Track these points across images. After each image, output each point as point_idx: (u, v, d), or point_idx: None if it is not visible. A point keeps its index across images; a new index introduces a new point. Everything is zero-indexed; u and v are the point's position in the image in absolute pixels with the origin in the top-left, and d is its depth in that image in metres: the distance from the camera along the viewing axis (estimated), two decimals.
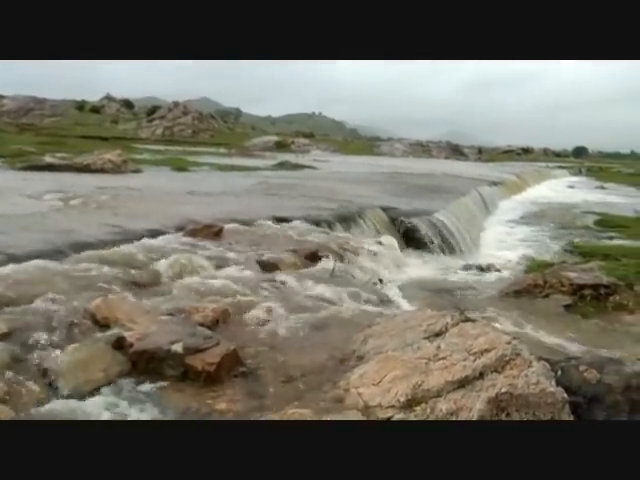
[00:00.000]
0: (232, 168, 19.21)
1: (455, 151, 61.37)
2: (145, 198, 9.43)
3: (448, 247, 9.48)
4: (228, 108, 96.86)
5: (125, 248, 5.50)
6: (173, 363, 3.18)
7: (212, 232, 6.43)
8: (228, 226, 6.95)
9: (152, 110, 58.28)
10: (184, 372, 3.15)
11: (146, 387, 3.01)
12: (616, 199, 22.27)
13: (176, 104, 56.70)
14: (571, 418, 2.80)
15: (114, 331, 3.52)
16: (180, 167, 17.87)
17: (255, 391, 3.03)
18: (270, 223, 7.65)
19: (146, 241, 5.86)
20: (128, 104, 66.84)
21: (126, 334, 3.41)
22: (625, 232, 11.79)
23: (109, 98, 67.91)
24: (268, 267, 5.56)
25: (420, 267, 7.84)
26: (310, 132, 73.31)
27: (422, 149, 60.07)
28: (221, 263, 5.50)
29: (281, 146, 45.19)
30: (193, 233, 6.33)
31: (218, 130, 56.09)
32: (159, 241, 5.97)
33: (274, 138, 50.30)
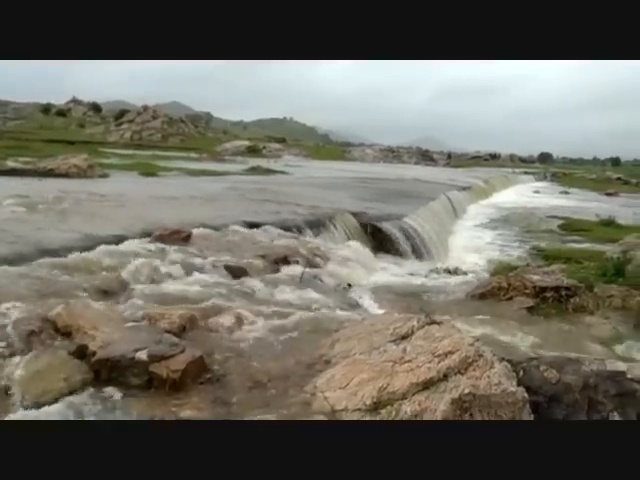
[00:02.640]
0: (203, 173, 19.04)
1: (425, 156, 62.37)
2: (111, 203, 9.25)
3: (417, 251, 9.59)
4: (199, 112, 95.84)
5: (89, 254, 5.38)
6: (137, 371, 3.13)
7: (180, 237, 6.35)
8: (197, 231, 6.88)
9: (120, 114, 57.19)
10: (149, 380, 3.10)
11: (109, 396, 2.95)
12: (579, 204, 22.99)
13: (145, 108, 55.78)
14: (531, 417, 2.87)
15: (76, 339, 3.44)
16: (149, 172, 17.59)
17: (221, 398, 3.00)
18: (240, 228, 7.60)
19: (111, 247, 5.74)
20: (95, 107, 65.47)
21: (88, 342, 3.34)
22: (587, 236, 12.18)
23: (76, 101, 66.38)
24: (237, 272, 5.53)
25: (389, 271, 7.91)
26: (282, 137, 73.24)
27: (393, 154, 60.80)
28: (189, 269, 5.43)
29: (253, 151, 44.99)
30: (160, 238, 6.24)
31: (188, 134, 55.42)
32: (125, 247, 5.86)
33: (245, 143, 50.04)
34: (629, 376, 3.28)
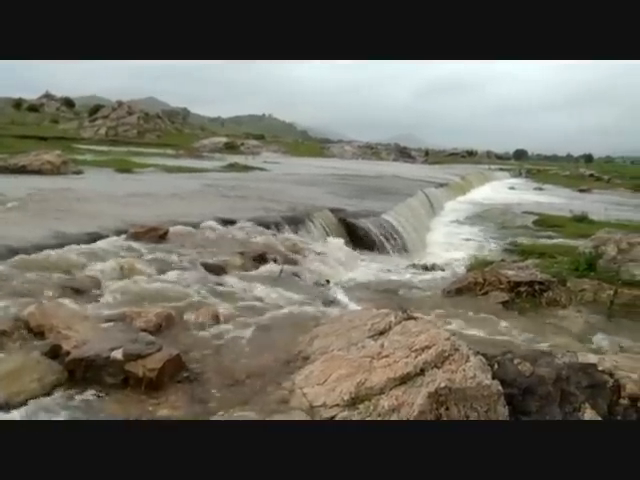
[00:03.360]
0: (179, 170, 18.80)
1: (403, 153, 62.76)
2: (86, 200, 9.07)
3: (395, 247, 9.66)
4: (175, 108, 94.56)
5: (62, 252, 5.27)
6: (113, 370, 3.09)
7: (157, 235, 6.27)
8: (174, 229, 6.80)
9: (95, 109, 56.15)
10: (124, 379, 3.07)
11: (84, 396, 2.91)
12: (553, 199, 23.43)
13: (120, 103, 54.85)
14: (506, 409, 2.93)
15: (49, 339, 3.38)
16: (124, 168, 17.29)
17: (199, 396, 2.99)
18: (218, 225, 7.54)
19: (85, 245, 5.64)
20: (69, 103, 64.12)
21: (62, 342, 3.28)
22: (561, 231, 12.41)
23: (48, 96, 64.89)
24: (214, 270, 5.49)
25: (368, 267, 7.95)
26: (260, 134, 72.86)
27: (371, 151, 61.03)
28: (166, 266, 5.37)
29: (231, 147, 44.66)
30: (136, 236, 6.15)
31: (165, 131, 54.71)
32: (100, 245, 5.76)
33: (223, 139, 49.64)
34: (600, 368, 3.37)
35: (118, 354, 3.12)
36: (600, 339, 4.63)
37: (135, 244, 5.95)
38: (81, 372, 3.08)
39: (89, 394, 2.92)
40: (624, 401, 3.19)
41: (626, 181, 39.10)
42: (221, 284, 5.08)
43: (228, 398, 2.96)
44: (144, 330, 3.65)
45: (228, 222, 7.85)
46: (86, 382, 3.03)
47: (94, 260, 5.14)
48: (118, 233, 6.34)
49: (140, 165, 19.14)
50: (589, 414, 3.10)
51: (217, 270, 5.48)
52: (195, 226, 7.30)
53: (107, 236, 6.14)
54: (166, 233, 6.44)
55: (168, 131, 54.97)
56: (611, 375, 3.30)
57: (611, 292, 5.76)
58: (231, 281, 5.19)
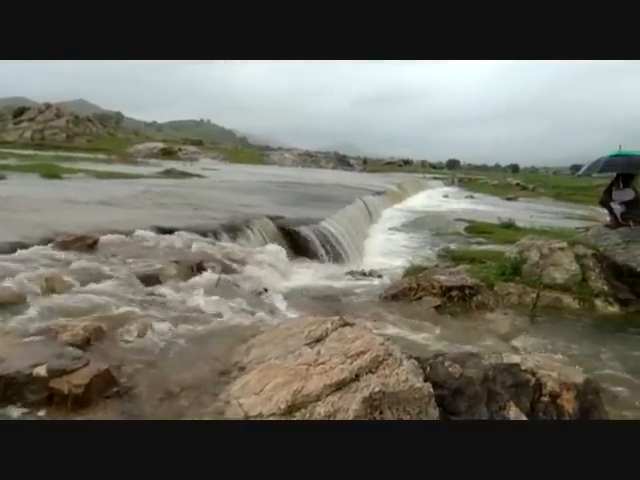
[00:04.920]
0: (112, 175, 18.11)
1: (342, 161, 63.77)
2: (7, 207, 8.53)
3: (334, 254, 9.78)
4: (108, 111, 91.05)
5: None
6: (36, 388, 2.92)
7: (85, 244, 6.00)
8: (104, 237, 6.53)
9: (19, 111, 53.03)
10: (49, 396, 2.90)
11: (4, 415, 2.72)
12: (483, 207, 24.60)
13: (48, 105, 52.17)
14: (436, 410, 3.03)
15: None
16: (51, 174, 16.42)
17: (130, 411, 2.88)
18: (152, 234, 7.31)
19: (5, 255, 5.30)
20: None
21: None
22: (490, 237, 13.04)
23: None
24: (148, 280, 5.32)
25: (307, 275, 7.99)
26: (199, 140, 71.54)
27: (311, 159, 61.56)
28: (95, 277, 5.14)
29: (167, 153, 43.58)
30: (63, 245, 5.85)
31: (96, 135, 52.55)
32: (22, 255, 5.43)
33: (160, 145, 48.38)
34: (523, 368, 3.56)
35: (42, 370, 2.96)
36: (524, 339, 4.91)
37: (62, 254, 5.65)
38: (1, 390, 2.89)
39: (10, 413, 2.75)
40: (545, 398, 3.39)
41: (549, 190, 41.80)
42: (155, 294, 4.93)
43: (161, 412, 2.87)
44: (71, 344, 3.47)
45: (163, 230, 7.64)
46: (7, 401, 2.84)
47: (16, 271, 4.84)
48: (43, 242, 6.00)
49: (69, 170, 18.27)
50: (514, 412, 3.26)
51: (151, 280, 5.31)
52: (128, 234, 7.04)
53: (31, 245, 5.80)
54: (96, 242, 6.17)
55: (100, 135, 52.85)
56: (533, 374, 3.50)
57: (534, 295, 6.13)
58: (166, 291, 5.04)
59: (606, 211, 8.17)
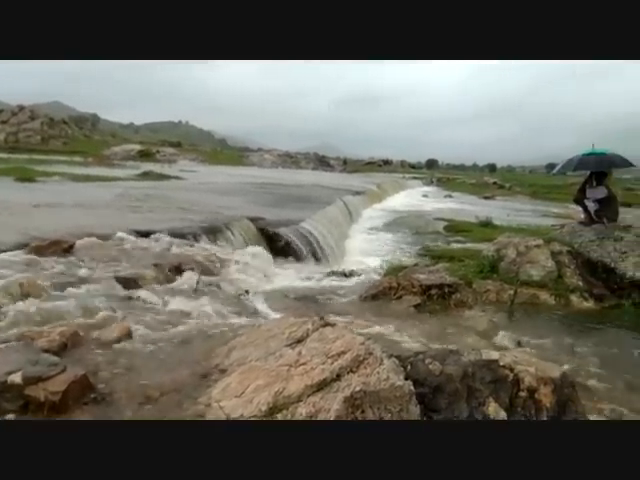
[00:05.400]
0: (88, 178, 17.80)
1: (322, 162, 63.84)
2: None
3: (314, 255, 9.78)
4: (84, 113, 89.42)
5: None
6: (11, 396, 2.86)
7: (61, 248, 5.89)
8: (81, 241, 6.42)
9: None
10: (25, 404, 2.84)
11: None
12: (461, 206, 24.88)
13: (21, 107, 51.09)
14: (418, 408, 3.05)
15: None
16: (26, 177, 16.06)
17: (108, 417, 2.84)
18: (130, 237, 7.22)
19: None
20: None
21: None
22: (468, 236, 13.20)
23: None
24: (127, 284, 5.25)
25: (288, 276, 7.97)
26: (177, 141, 70.82)
27: (291, 160, 61.48)
28: (72, 282, 5.06)
29: (145, 155, 43.03)
30: (38, 250, 5.73)
31: (72, 137, 51.64)
32: None
33: (137, 147, 47.72)
34: (501, 364, 3.62)
35: (17, 378, 2.89)
36: (502, 336, 4.98)
37: (37, 259, 5.54)
38: None
39: None
40: (523, 393, 3.44)
41: (525, 189, 42.51)
42: (134, 298, 4.87)
43: (140, 417, 2.84)
44: (47, 351, 3.41)
45: (142, 233, 7.54)
46: None
47: None
48: (18, 247, 5.87)
49: (44, 173, 17.90)
50: (493, 407, 3.31)
51: (129, 284, 5.24)
52: (105, 238, 6.94)
53: (4, 250, 5.67)
54: (72, 246, 6.06)
55: (75, 138, 51.96)
56: (511, 370, 3.55)
57: (512, 292, 6.22)
58: (144, 295, 4.98)
59: (580, 209, 8.34)
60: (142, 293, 5.05)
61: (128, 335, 3.96)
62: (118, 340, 3.83)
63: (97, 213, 9.42)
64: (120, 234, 7.21)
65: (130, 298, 4.87)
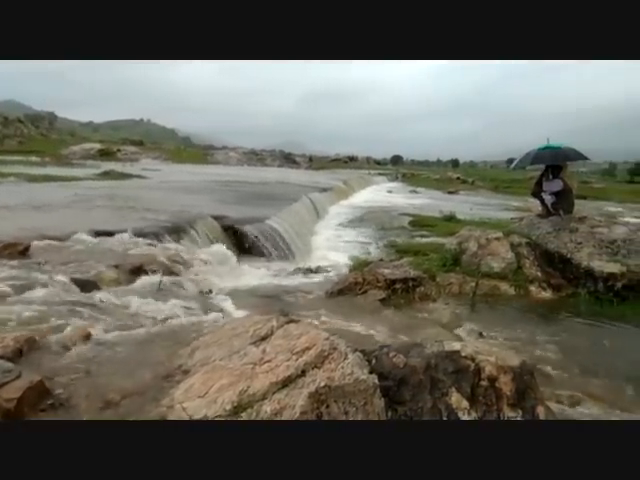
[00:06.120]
0: (46, 178, 17.23)
1: (288, 159, 63.63)
2: None
3: (281, 252, 9.75)
4: (40, 112, 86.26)
5: None
6: None
7: (16, 251, 5.68)
8: (37, 243, 6.20)
9: None
10: None
11: None
12: (426, 201, 25.25)
13: None
14: (382, 401, 3.08)
15: None
16: None
17: None
18: (90, 238, 7.02)
19: None
20: None
21: None
22: (432, 230, 13.40)
23: None
24: (86, 286, 5.11)
25: (253, 274, 7.91)
26: (139, 140, 69.26)
27: (256, 157, 61.04)
28: (28, 285, 4.87)
29: (105, 154, 41.92)
30: None
31: (28, 136, 49.79)
32: None
33: (97, 146, 46.40)
34: (463, 354, 3.69)
35: None
36: (465, 327, 5.08)
37: None
38: None
39: None
40: (484, 382, 3.52)
41: (487, 183, 43.54)
42: (93, 300, 4.74)
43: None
44: (1, 357, 3.28)
45: (102, 234, 7.35)
46: None
47: None
48: None
49: None
50: (455, 398, 3.37)
51: (88, 286, 5.10)
52: (63, 239, 6.73)
53: None
54: (27, 249, 5.85)
55: (32, 137, 50.15)
56: (472, 360, 3.62)
57: (473, 284, 6.36)
58: (104, 296, 4.85)
59: (538, 202, 8.59)
60: (102, 295, 4.92)
61: (87, 338, 3.85)
62: (76, 344, 3.72)
63: (55, 214, 9.12)
64: (79, 235, 7.01)
65: (89, 300, 4.73)
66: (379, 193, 31.52)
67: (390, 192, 32.90)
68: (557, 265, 7.15)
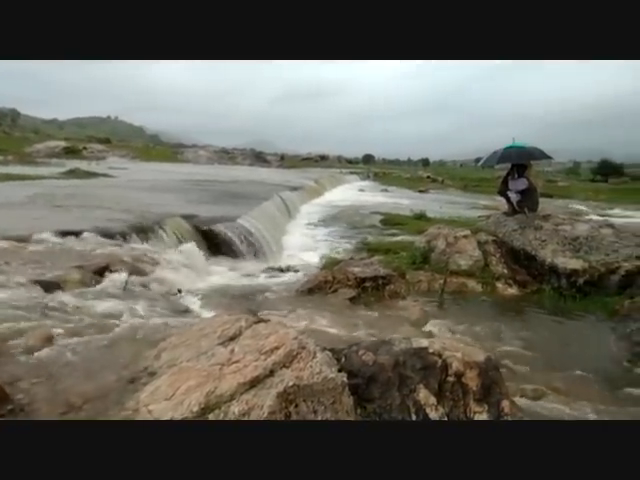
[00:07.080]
0: (8, 177, 16.66)
1: (259, 158, 63.26)
2: None
3: (252, 252, 9.67)
4: (2, 109, 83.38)
5: None
6: None
7: None
8: None
9: None
10: None
11: None
12: (397, 200, 25.47)
13: None
14: (351, 399, 3.09)
15: None
16: None
17: None
18: (52, 238, 6.82)
19: None
20: None
21: None
22: (403, 228, 13.53)
23: None
24: (48, 287, 4.95)
25: (223, 273, 7.83)
26: (106, 137, 67.72)
27: (227, 156, 60.47)
28: None
29: (71, 152, 40.77)
30: None
31: None
32: None
33: (62, 143, 45.08)
34: (430, 350, 3.73)
35: None
36: (433, 324, 5.15)
37: None
38: None
39: None
40: (451, 378, 3.57)
41: (456, 182, 44.27)
42: (55, 302, 4.60)
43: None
44: None
45: (65, 233, 7.14)
46: None
47: None
48: None
49: None
50: (423, 394, 3.41)
51: (51, 287, 4.94)
52: (25, 240, 6.52)
53: None
54: None
55: None
56: (440, 356, 3.67)
57: (442, 281, 6.45)
58: (67, 298, 4.72)
59: (504, 200, 8.78)
60: (65, 297, 4.78)
61: (49, 342, 3.74)
62: (37, 347, 3.61)
63: (17, 214, 8.83)
64: (41, 235, 6.80)
65: (51, 302, 4.60)
66: (351, 192, 31.62)
67: (362, 190, 33.04)
68: (523, 262, 7.31)
